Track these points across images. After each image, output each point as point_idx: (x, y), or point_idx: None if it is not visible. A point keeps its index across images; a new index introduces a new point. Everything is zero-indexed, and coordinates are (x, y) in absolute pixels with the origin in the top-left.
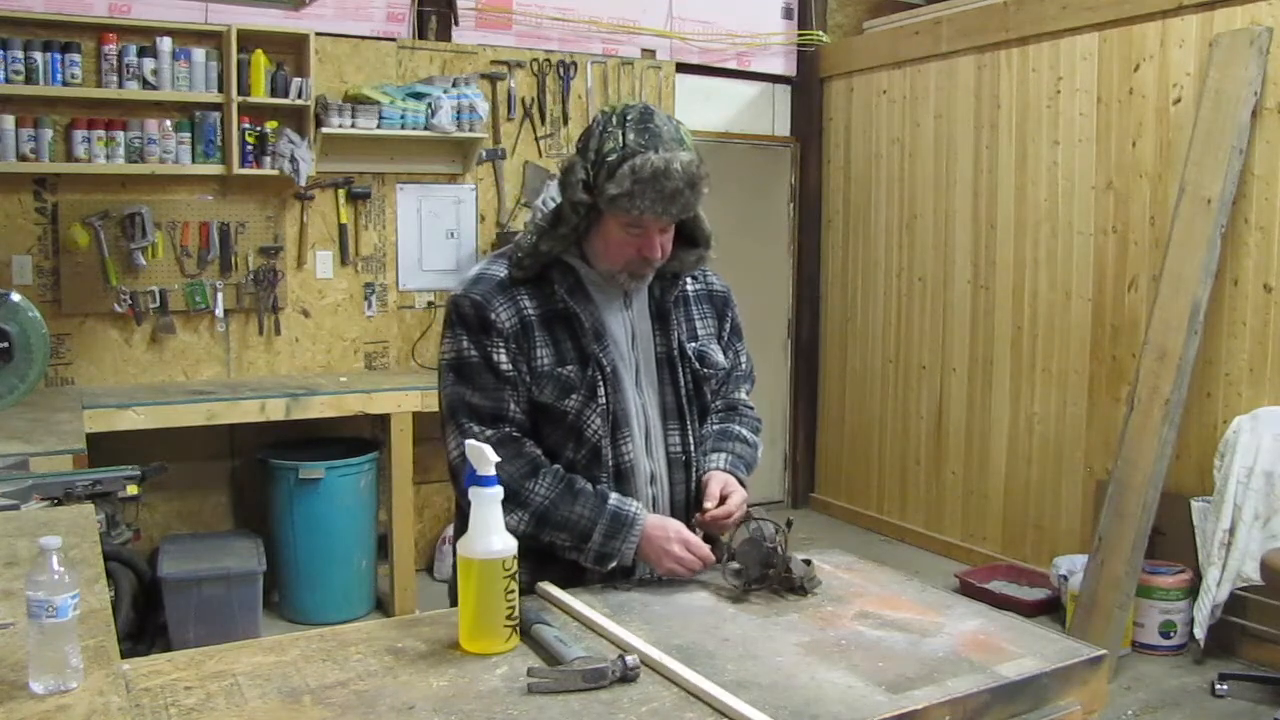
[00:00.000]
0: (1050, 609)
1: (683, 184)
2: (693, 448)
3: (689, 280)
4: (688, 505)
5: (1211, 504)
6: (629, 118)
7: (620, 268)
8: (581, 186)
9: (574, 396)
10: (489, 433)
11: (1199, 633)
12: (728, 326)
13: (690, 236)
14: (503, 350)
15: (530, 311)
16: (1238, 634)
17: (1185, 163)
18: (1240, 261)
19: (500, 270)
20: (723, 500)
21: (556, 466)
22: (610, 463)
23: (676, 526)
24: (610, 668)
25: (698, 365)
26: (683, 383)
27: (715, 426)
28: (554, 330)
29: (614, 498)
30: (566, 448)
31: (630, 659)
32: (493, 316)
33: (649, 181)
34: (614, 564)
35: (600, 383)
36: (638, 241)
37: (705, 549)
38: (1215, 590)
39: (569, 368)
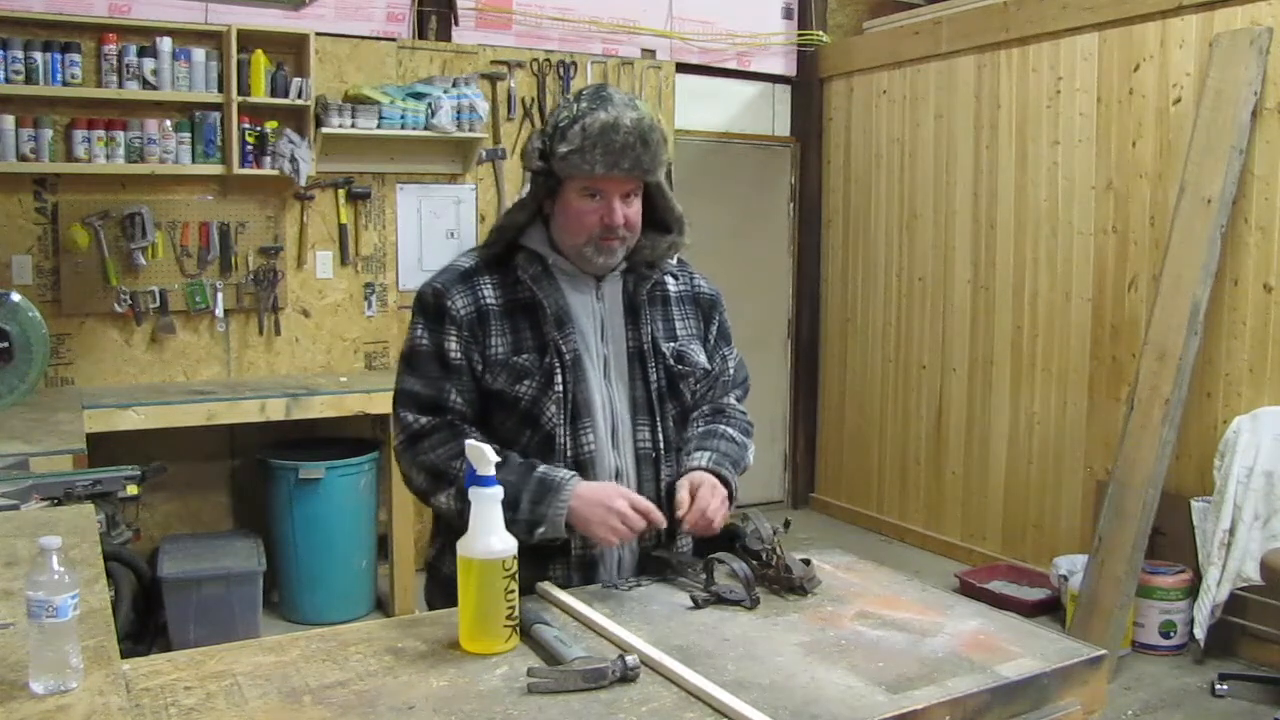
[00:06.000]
0: (1050, 609)
1: (633, 138)
2: (663, 445)
3: (671, 280)
4: (658, 503)
5: (1211, 504)
6: (584, 93)
7: (585, 241)
8: (538, 155)
9: (527, 383)
10: (424, 420)
11: (1199, 633)
12: (714, 330)
13: (661, 222)
14: (454, 339)
15: (490, 301)
16: (1238, 634)
17: (1185, 163)
18: (1240, 261)
19: (467, 260)
20: (693, 499)
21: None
22: (569, 453)
23: (619, 489)
24: (610, 668)
25: (672, 362)
26: (654, 378)
27: (700, 429)
28: (514, 319)
29: (544, 466)
30: (522, 435)
31: (630, 659)
32: (448, 304)
33: (598, 136)
34: (543, 530)
35: (558, 369)
36: (599, 209)
37: (654, 511)
38: (1215, 590)
39: (525, 355)
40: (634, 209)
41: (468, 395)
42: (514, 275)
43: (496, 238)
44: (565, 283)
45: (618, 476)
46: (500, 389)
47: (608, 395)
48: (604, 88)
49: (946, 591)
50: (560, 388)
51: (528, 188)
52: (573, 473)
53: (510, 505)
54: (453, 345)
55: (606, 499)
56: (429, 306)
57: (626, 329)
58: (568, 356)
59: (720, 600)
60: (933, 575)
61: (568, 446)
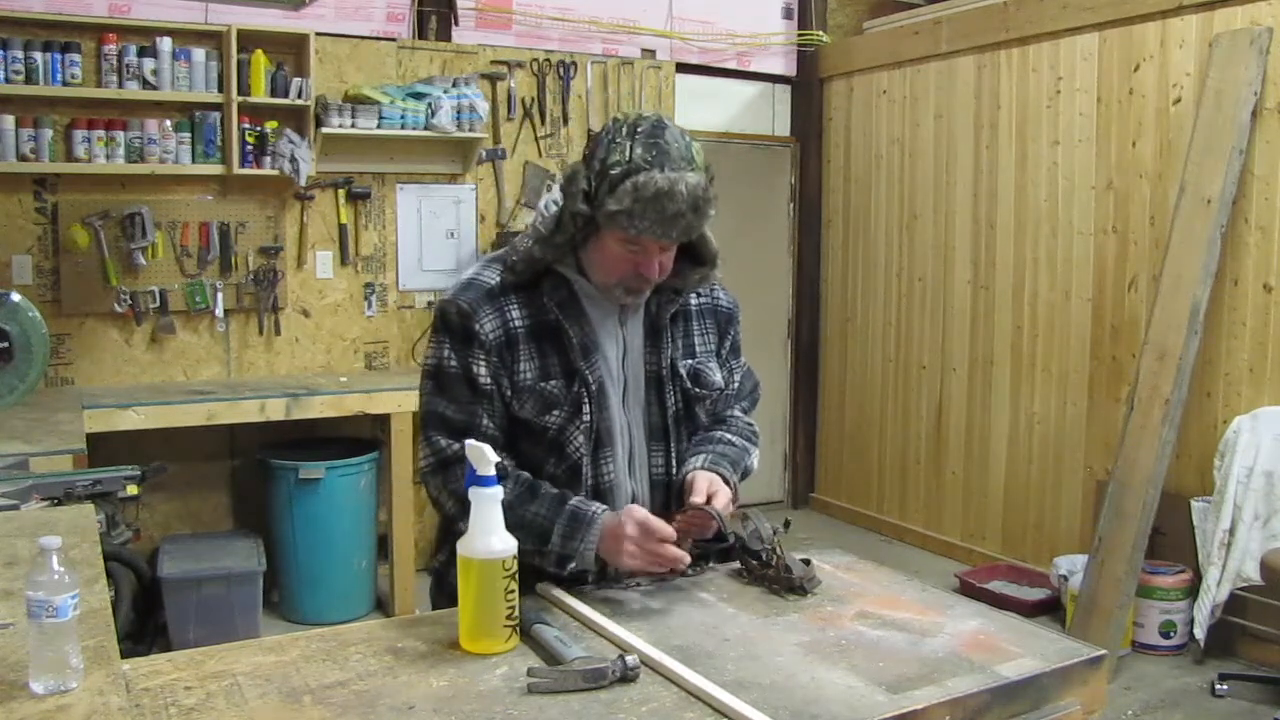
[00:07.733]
0: (1050, 609)
1: (686, 207)
2: (675, 470)
3: (693, 295)
4: (668, 518)
5: (1211, 504)
6: (639, 130)
7: (616, 283)
8: (582, 197)
9: (556, 413)
10: (456, 446)
11: (1199, 633)
12: (728, 344)
13: (696, 254)
14: (483, 363)
15: (517, 323)
16: (1238, 634)
17: (1185, 163)
18: (1240, 261)
19: (492, 277)
20: (709, 500)
21: (523, 473)
22: (590, 481)
23: (630, 518)
24: (610, 668)
25: (689, 385)
26: (670, 402)
27: (698, 437)
28: (541, 343)
29: (575, 499)
30: (547, 463)
31: (630, 659)
32: (477, 327)
33: (650, 201)
34: (574, 565)
35: (586, 400)
36: (635, 259)
37: (669, 541)
38: (1215, 590)
39: (553, 383)
40: (670, 256)
41: (498, 419)
42: (539, 297)
43: (526, 268)
44: (589, 306)
45: (634, 502)
46: (528, 418)
47: (626, 421)
48: (660, 130)
49: (946, 591)
50: (588, 417)
51: (551, 195)
52: (603, 506)
53: (541, 538)
54: (482, 370)
55: (619, 536)
56: (455, 326)
57: (646, 351)
58: (594, 387)
59: (744, 549)
60: (933, 575)
61: (590, 475)
